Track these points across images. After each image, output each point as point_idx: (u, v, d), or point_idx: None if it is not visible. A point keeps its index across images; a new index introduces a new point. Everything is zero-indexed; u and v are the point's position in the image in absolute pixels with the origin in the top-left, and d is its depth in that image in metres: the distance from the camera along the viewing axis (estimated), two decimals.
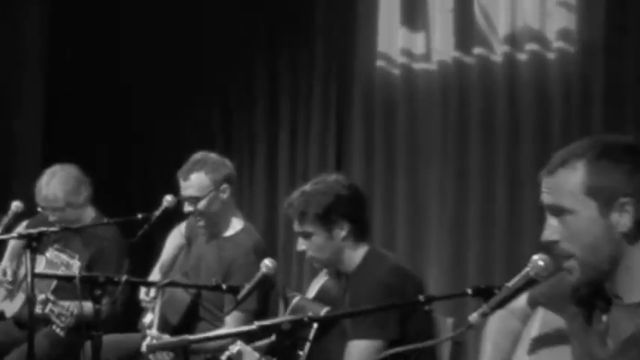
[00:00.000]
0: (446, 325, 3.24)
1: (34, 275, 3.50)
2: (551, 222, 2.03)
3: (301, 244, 3.22)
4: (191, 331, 3.82)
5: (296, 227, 3.21)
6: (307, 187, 3.23)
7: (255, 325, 2.18)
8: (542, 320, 2.24)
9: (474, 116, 4.64)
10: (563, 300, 2.17)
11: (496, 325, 2.36)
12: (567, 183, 1.99)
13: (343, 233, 3.16)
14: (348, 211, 3.17)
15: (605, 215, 1.97)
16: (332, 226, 3.14)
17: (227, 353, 2.84)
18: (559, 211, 2.01)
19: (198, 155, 3.95)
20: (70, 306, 3.84)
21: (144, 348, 3.51)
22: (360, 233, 3.20)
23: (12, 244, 4.48)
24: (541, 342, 2.20)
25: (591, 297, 2.09)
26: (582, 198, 1.98)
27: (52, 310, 3.87)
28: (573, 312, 2.13)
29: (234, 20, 5.67)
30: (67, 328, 3.82)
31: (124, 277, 3.11)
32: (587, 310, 2.10)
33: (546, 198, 2.04)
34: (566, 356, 2.13)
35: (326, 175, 3.31)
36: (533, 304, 2.29)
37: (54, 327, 3.88)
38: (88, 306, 3.19)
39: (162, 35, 5.82)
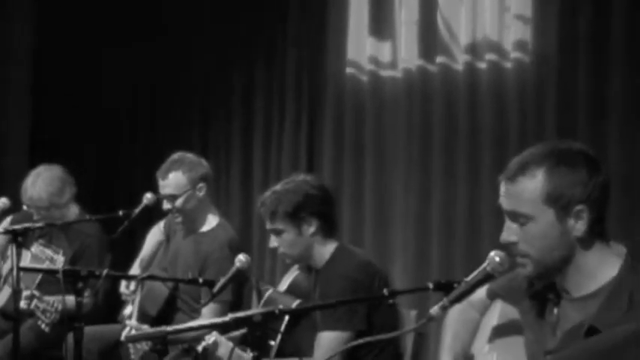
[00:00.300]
0: (409, 317, 3.26)
1: (20, 269, 3.48)
2: (510, 224, 2.04)
3: (273, 241, 3.21)
4: (169, 322, 3.80)
5: (268, 225, 3.21)
6: (278, 186, 3.23)
7: (229, 317, 2.19)
8: (501, 312, 2.29)
9: (437, 120, 4.63)
10: (519, 294, 2.21)
11: (456, 316, 2.39)
12: (527, 191, 2.00)
13: (312, 230, 3.16)
14: (317, 209, 3.17)
15: (561, 221, 1.98)
16: (301, 223, 3.15)
17: (203, 343, 2.82)
18: (518, 217, 2.02)
19: (176, 156, 3.96)
20: (55, 302, 3.84)
21: (123, 338, 3.49)
22: (329, 230, 3.20)
23: None
24: (499, 332, 2.25)
25: (544, 291, 2.12)
26: (541, 205, 1.99)
27: (37, 306, 3.87)
28: (527, 305, 2.16)
29: (212, 30, 5.65)
30: (52, 324, 3.82)
31: (105, 271, 3.09)
32: (540, 303, 2.12)
33: (505, 203, 2.04)
34: (521, 345, 2.16)
35: (295, 176, 3.31)
36: (491, 296, 2.34)
37: (39, 322, 3.87)
38: (70, 299, 3.18)
39: (147, 39, 5.79)
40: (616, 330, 1.64)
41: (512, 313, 2.24)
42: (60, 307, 3.77)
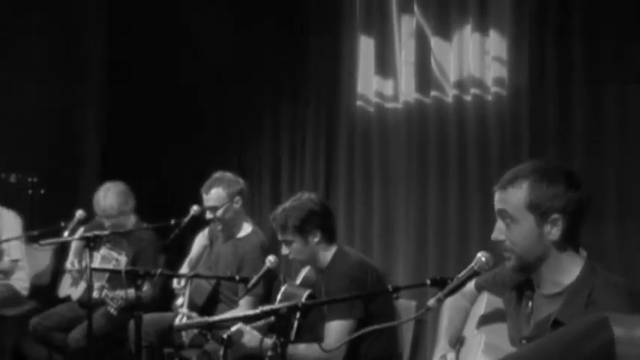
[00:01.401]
0: (410, 307, 3.25)
1: (92, 269, 3.53)
2: (499, 225, 2.07)
3: (284, 249, 3.24)
4: (212, 311, 3.83)
5: (279, 236, 3.23)
6: (287, 204, 3.24)
7: (259, 310, 2.23)
8: (487, 301, 2.30)
9: (431, 143, 4.63)
10: (502, 287, 2.24)
11: (451, 304, 2.43)
12: (513, 198, 2.02)
13: (316, 239, 3.18)
14: (319, 222, 3.18)
15: (540, 226, 2.00)
16: (307, 234, 3.16)
17: (228, 332, 2.79)
18: (505, 217, 2.04)
19: (217, 174, 4.00)
20: (121, 292, 3.88)
21: (175, 324, 3.51)
22: (330, 238, 3.22)
23: (75, 244, 4.51)
24: (486, 319, 2.26)
25: (522, 286, 2.13)
26: (524, 211, 2.01)
27: (106, 295, 3.92)
28: (509, 297, 2.18)
29: (244, 69, 5.64)
30: (119, 309, 3.87)
31: (159, 271, 3.13)
32: (519, 296, 2.14)
33: (498, 206, 2.07)
34: (505, 330, 2.17)
35: (301, 194, 3.30)
36: (479, 288, 2.36)
37: (108, 308, 3.92)
38: (132, 292, 3.19)
39: (193, 79, 5.76)
40: (578, 321, 1.65)
41: (498, 302, 2.26)
42: (124, 296, 3.82)
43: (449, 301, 2.38)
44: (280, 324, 2.18)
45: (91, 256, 3.67)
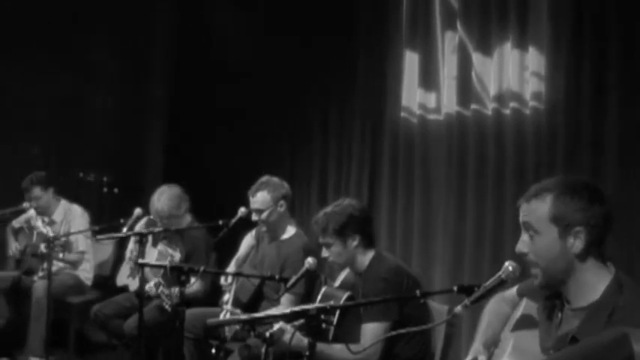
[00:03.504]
0: (442, 312, 3.21)
1: (142, 264, 3.57)
2: (524, 238, 2.02)
3: (325, 252, 3.22)
4: (256, 308, 3.85)
5: (320, 239, 3.21)
6: (328, 208, 3.21)
7: (289, 310, 2.22)
8: (524, 307, 2.24)
9: (471, 155, 4.59)
10: (539, 294, 2.16)
11: (492, 307, 2.36)
12: (537, 210, 1.98)
13: (355, 243, 3.15)
14: (359, 227, 3.15)
15: (563, 238, 1.95)
16: (346, 238, 3.14)
17: (270, 330, 2.70)
18: (529, 228, 2.00)
19: (263, 178, 4.00)
20: (175, 290, 3.88)
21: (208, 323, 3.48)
22: (368, 242, 3.19)
23: (134, 239, 4.57)
24: (520, 323, 2.21)
25: (554, 296, 2.08)
26: (547, 224, 1.96)
27: (162, 292, 4.00)
28: (542, 305, 2.13)
29: (299, 83, 5.69)
30: (173, 305, 3.93)
31: (202, 268, 3.18)
32: (551, 305, 2.09)
33: (522, 217, 2.03)
34: (535, 337, 2.11)
35: (342, 199, 3.29)
36: (520, 294, 2.29)
37: (163, 304, 3.99)
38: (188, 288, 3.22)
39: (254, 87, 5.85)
40: (599, 336, 1.59)
41: (533, 309, 2.19)
42: (178, 294, 3.88)
43: (490, 306, 2.34)
44: (310, 324, 2.17)
45: (143, 252, 3.72)
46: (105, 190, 6.00)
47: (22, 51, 5.70)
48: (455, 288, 2.19)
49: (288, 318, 2.36)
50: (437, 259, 4.78)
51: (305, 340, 2.85)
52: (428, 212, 4.87)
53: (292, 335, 2.80)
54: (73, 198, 5.35)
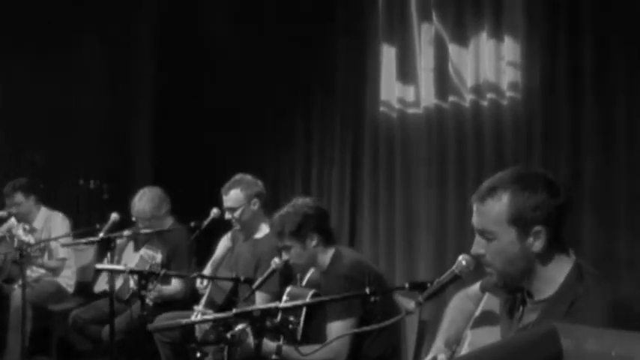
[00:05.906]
0: (409, 307, 3.09)
1: (98, 270, 3.45)
2: (479, 239, 1.85)
3: (284, 255, 3.04)
4: (232, 309, 3.72)
5: (279, 243, 3.04)
6: (283, 210, 3.05)
7: (232, 312, 2.08)
8: (485, 303, 2.09)
9: (450, 146, 4.45)
10: (501, 289, 2.00)
11: (455, 304, 2.23)
12: (493, 211, 1.79)
13: (314, 242, 3.00)
14: (315, 225, 3.00)
15: (522, 239, 1.78)
16: (304, 238, 2.99)
17: (231, 332, 2.59)
18: (485, 234, 1.82)
19: (237, 176, 3.87)
20: (157, 285, 3.86)
21: (149, 328, 3.34)
22: (327, 240, 3.04)
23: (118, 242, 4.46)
24: (479, 320, 2.06)
25: (515, 290, 1.92)
26: (505, 225, 1.78)
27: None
28: (504, 300, 1.97)
29: (276, 83, 5.57)
30: (153, 300, 3.85)
31: (163, 272, 3.07)
32: (513, 300, 1.93)
33: (476, 222, 1.84)
34: (494, 333, 1.96)
35: (296, 200, 3.12)
36: (482, 289, 2.15)
37: (147, 300, 3.84)
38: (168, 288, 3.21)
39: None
40: (530, 330, 1.47)
41: (496, 305, 2.03)
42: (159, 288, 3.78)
43: (453, 302, 2.21)
44: (255, 326, 2.04)
45: (113, 256, 3.60)
46: (91, 188, 5.86)
47: (6, 53, 5.56)
48: (406, 285, 2.09)
49: (234, 319, 2.24)
50: (420, 252, 4.64)
51: (270, 344, 2.74)
52: (409, 205, 4.72)
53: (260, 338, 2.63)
54: (61, 203, 5.20)
